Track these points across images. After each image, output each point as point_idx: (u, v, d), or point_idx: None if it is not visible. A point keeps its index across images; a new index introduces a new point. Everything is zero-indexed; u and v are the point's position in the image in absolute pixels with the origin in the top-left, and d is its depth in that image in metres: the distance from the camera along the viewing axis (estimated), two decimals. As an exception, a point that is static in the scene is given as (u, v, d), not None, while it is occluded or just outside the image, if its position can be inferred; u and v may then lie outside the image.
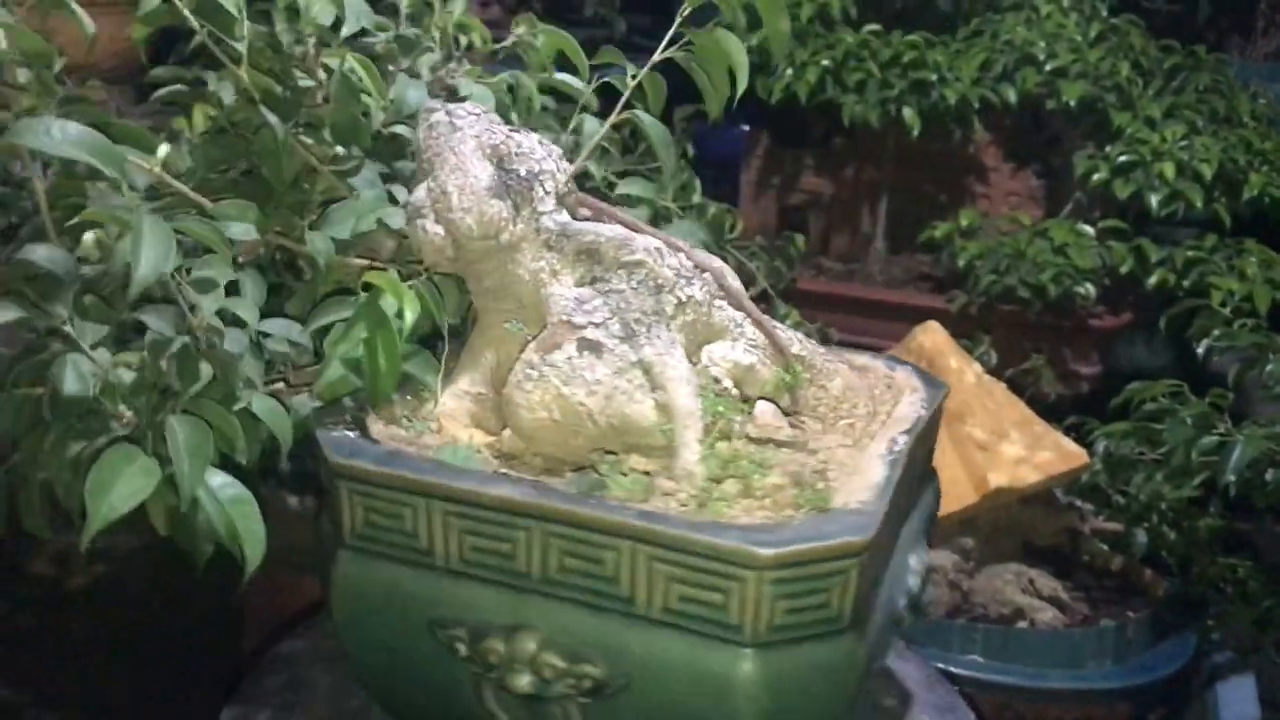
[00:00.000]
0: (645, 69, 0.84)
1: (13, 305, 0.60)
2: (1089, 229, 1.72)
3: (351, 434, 0.70)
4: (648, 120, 0.83)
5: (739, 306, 0.79)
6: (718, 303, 0.78)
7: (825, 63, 1.78)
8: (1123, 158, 1.67)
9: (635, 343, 0.71)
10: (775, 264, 1.62)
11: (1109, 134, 1.74)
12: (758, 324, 0.79)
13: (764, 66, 1.75)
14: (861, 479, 0.69)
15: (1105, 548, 1.41)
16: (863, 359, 0.88)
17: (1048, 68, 1.74)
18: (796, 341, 0.80)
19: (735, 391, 0.77)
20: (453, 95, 0.89)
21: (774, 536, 0.61)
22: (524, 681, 0.64)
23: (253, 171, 0.72)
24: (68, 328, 0.61)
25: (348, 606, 0.69)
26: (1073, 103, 1.71)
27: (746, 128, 2.08)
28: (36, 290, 0.60)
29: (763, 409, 0.77)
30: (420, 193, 0.71)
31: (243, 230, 0.65)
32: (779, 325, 0.81)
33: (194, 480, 0.60)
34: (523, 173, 0.72)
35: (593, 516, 0.62)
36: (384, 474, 0.66)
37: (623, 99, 0.83)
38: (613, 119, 0.83)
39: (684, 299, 0.75)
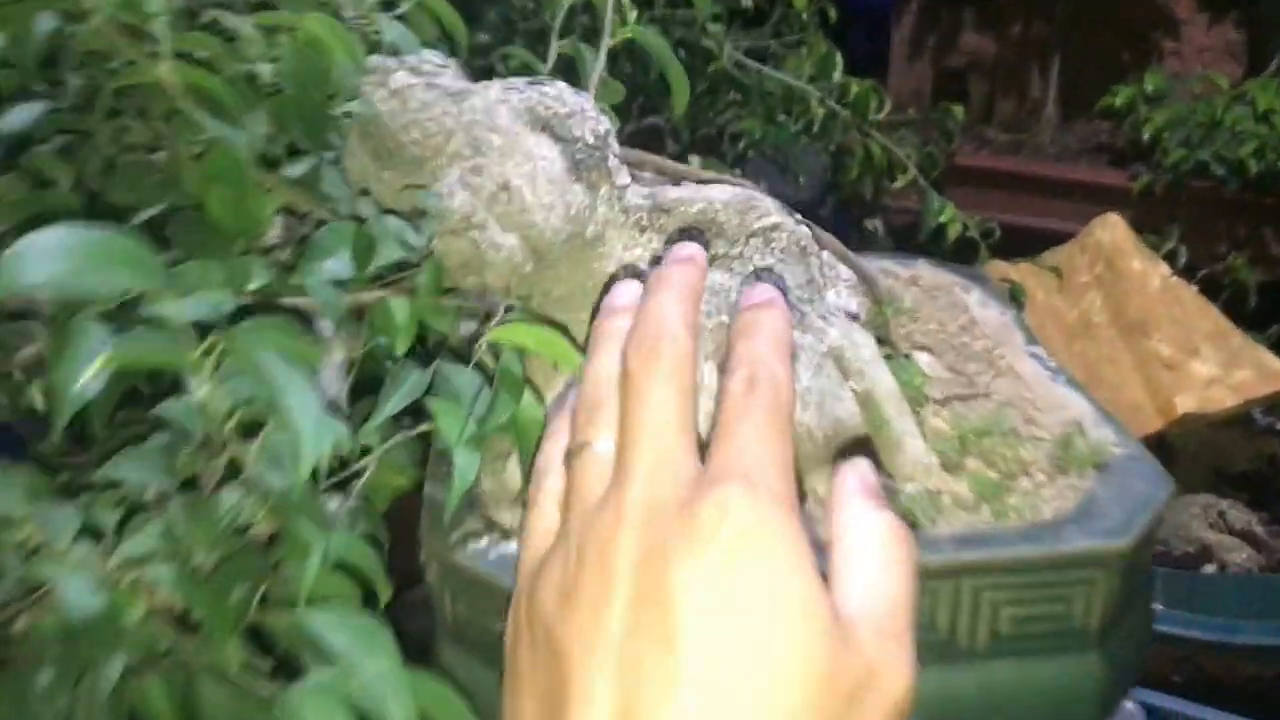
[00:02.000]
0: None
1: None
2: (1300, 91, 1.49)
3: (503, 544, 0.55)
4: (652, 40, 0.67)
5: (819, 243, 0.65)
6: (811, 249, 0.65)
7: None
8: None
9: (812, 327, 0.58)
10: (928, 149, 1.44)
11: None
12: (842, 258, 0.65)
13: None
14: (1067, 412, 0.60)
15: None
16: (929, 274, 0.74)
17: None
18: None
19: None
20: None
21: (1111, 521, 0.51)
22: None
23: (181, 211, 0.51)
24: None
25: None
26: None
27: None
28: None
29: (926, 359, 0.63)
30: (458, 196, 0.57)
31: (213, 304, 0.44)
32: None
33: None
34: (589, 136, 0.57)
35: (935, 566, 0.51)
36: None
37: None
38: (608, 39, 0.67)
39: (823, 257, 0.61)
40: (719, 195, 0.58)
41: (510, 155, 0.55)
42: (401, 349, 0.54)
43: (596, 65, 0.65)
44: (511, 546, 0.53)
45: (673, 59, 0.67)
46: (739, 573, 0.33)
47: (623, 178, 0.57)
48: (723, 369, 0.42)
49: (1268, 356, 1.15)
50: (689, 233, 0.58)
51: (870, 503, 0.38)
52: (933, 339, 0.67)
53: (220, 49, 0.50)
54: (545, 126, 0.56)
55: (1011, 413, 0.60)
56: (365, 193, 0.61)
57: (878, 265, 0.74)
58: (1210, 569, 1.16)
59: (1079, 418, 0.60)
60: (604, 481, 0.39)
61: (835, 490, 0.40)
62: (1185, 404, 1.13)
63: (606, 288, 0.55)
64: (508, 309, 0.59)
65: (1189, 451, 1.22)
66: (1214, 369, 1.14)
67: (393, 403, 0.53)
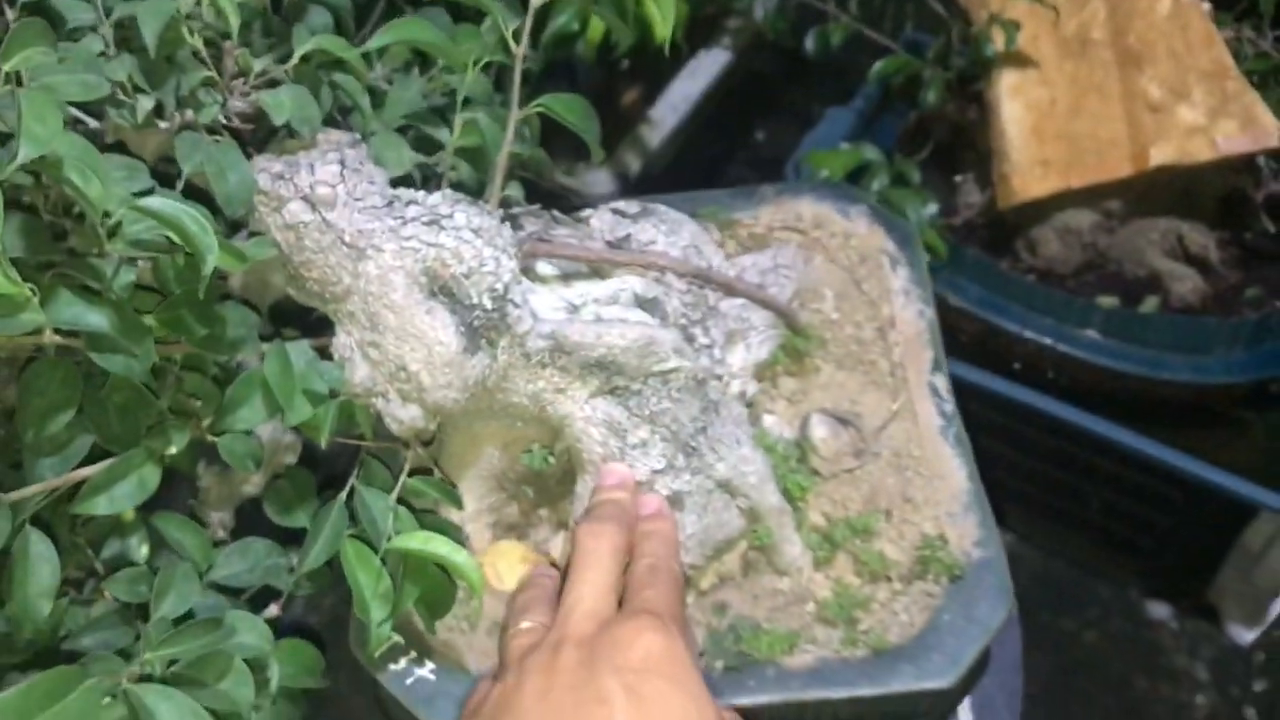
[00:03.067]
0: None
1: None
2: None
3: (427, 670, 0.63)
4: (564, 104, 0.63)
5: (731, 292, 0.67)
6: (721, 307, 0.67)
7: None
8: None
9: (703, 462, 0.62)
10: None
11: None
12: (753, 299, 0.68)
13: None
14: (946, 485, 0.67)
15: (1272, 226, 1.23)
16: (808, 210, 0.75)
17: None
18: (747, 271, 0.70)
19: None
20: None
21: (942, 659, 0.60)
22: None
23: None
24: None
25: None
26: None
27: None
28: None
29: (820, 433, 0.68)
30: (360, 369, 0.58)
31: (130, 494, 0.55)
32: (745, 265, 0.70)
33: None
34: (486, 302, 0.57)
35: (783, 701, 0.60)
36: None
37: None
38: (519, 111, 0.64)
39: (723, 370, 0.64)
40: (619, 340, 0.60)
41: (406, 339, 0.56)
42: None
43: (504, 142, 0.62)
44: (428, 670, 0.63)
45: (590, 121, 0.63)
46: (651, 678, 0.49)
47: (523, 324, 0.59)
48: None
49: (1259, 108, 1.11)
50: (593, 368, 0.60)
51: None
52: (841, 371, 0.70)
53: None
54: (443, 289, 0.57)
55: (890, 490, 0.66)
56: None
57: (773, 213, 0.74)
58: (1154, 300, 1.21)
59: (952, 498, 0.65)
60: (534, 639, 0.51)
61: None
62: (1160, 154, 1.11)
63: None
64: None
65: (1160, 183, 1.22)
66: (1199, 117, 1.11)
67: (316, 552, 0.60)
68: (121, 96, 0.59)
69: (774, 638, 0.61)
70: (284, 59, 0.61)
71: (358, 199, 0.59)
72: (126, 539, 0.65)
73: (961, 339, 1.22)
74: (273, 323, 0.70)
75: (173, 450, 0.60)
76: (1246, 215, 1.23)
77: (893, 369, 0.69)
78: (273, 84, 0.61)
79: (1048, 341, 1.18)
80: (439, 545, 0.56)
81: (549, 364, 0.60)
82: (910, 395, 0.68)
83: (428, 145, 0.67)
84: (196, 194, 0.56)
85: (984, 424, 0.92)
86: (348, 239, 0.57)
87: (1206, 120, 1.11)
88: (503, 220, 0.62)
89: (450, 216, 0.58)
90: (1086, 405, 1.17)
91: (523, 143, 0.66)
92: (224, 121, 0.61)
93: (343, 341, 0.60)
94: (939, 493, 0.65)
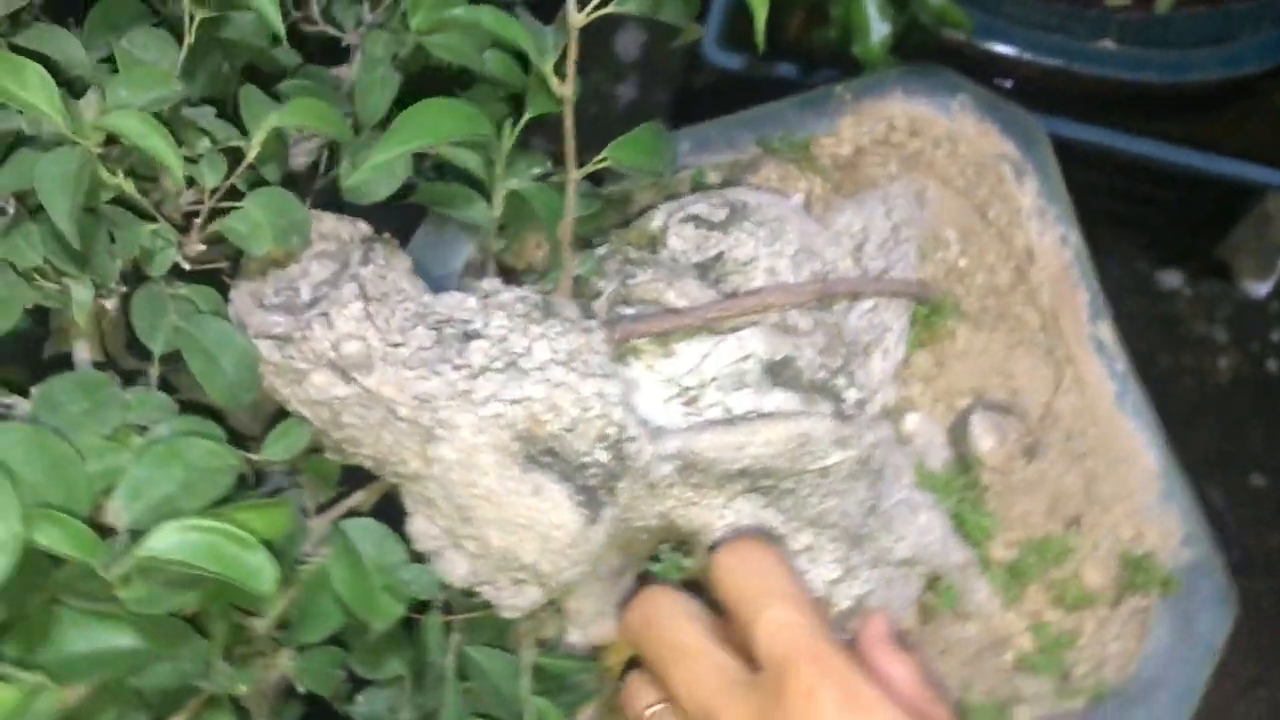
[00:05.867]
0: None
1: None
2: None
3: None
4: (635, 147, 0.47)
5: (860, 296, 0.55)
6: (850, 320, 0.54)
7: None
8: None
9: (879, 548, 0.51)
10: None
11: None
12: (891, 294, 0.55)
13: None
14: (1134, 469, 0.56)
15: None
16: (900, 112, 0.60)
17: None
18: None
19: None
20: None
21: (1164, 702, 0.53)
22: None
23: None
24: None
25: None
26: None
27: None
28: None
29: (986, 444, 0.56)
30: (459, 566, 0.44)
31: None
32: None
33: None
34: (601, 455, 0.43)
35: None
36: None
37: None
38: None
39: (876, 437, 0.51)
40: (765, 449, 0.46)
41: (512, 530, 0.43)
42: None
43: (566, 210, 0.44)
44: None
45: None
46: None
47: (643, 455, 0.45)
48: None
49: None
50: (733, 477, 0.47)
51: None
52: (980, 332, 0.57)
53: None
54: (544, 450, 0.43)
55: (1072, 491, 0.56)
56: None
57: (856, 125, 0.58)
58: (1167, -4, 1.04)
59: (1145, 486, 0.56)
60: None
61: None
62: None
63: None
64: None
65: None
66: None
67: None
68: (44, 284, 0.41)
69: (982, 712, 0.53)
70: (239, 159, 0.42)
71: (396, 343, 0.43)
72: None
73: (962, 69, 1.06)
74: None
75: (243, 689, 0.47)
76: None
77: (1044, 322, 0.57)
78: (233, 194, 0.43)
79: (1058, 63, 1.04)
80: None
81: (677, 483, 0.47)
82: (1070, 354, 0.57)
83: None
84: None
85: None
86: (404, 413, 0.42)
87: None
88: (586, 318, 0.46)
89: (528, 352, 0.43)
90: (1104, 119, 1.05)
91: (588, 202, 0.49)
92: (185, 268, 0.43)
93: (423, 530, 0.46)
94: (1128, 481, 0.56)
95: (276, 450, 0.44)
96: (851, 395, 0.50)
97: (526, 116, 0.45)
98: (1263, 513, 1.15)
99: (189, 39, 0.43)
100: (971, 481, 0.55)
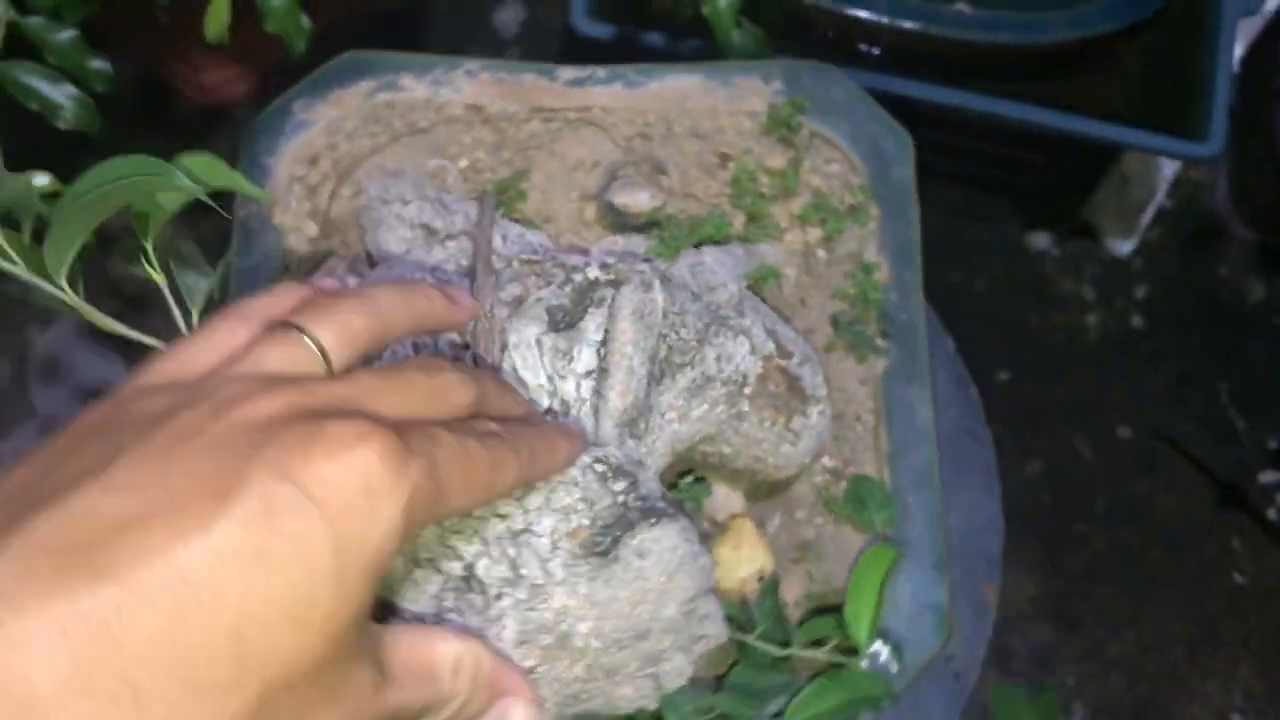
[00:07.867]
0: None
1: None
2: None
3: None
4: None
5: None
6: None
7: None
8: None
9: None
10: None
11: None
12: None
13: None
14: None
15: None
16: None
17: None
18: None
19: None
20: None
21: None
22: None
23: None
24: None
25: None
26: None
27: None
28: None
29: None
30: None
31: None
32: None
33: None
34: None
35: None
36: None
37: None
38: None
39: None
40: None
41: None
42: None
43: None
44: None
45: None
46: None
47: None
48: None
49: None
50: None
51: None
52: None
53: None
54: (614, 543, 0.39)
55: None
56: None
57: None
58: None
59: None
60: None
61: None
62: None
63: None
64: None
65: None
66: None
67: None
68: None
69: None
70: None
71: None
72: None
73: (820, 34, 1.07)
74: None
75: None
76: None
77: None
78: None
79: (915, 26, 1.05)
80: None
81: None
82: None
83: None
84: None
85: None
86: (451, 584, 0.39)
87: None
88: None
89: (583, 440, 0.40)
90: (960, 81, 1.07)
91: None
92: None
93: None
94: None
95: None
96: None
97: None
98: (1129, 462, 1.20)
99: None
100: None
